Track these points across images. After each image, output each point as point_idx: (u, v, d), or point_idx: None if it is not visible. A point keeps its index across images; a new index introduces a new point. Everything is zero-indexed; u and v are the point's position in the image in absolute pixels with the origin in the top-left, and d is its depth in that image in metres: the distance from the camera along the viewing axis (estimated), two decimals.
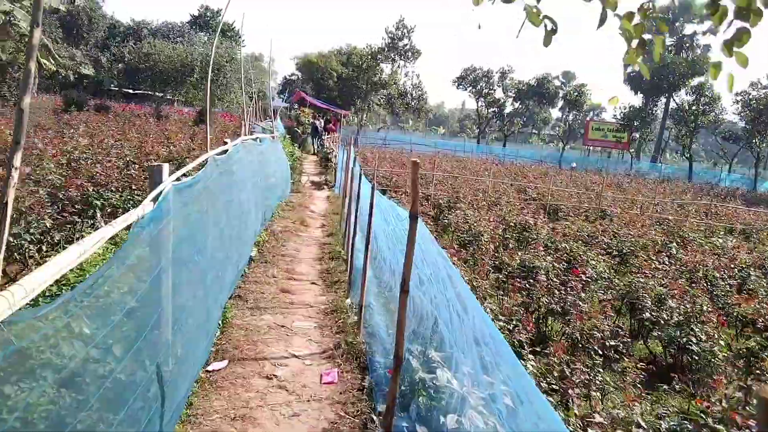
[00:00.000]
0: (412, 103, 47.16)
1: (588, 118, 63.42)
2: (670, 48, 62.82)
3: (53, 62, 47.86)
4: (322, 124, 33.27)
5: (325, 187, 18.37)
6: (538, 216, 16.12)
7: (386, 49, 46.05)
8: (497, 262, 10.69)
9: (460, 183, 20.67)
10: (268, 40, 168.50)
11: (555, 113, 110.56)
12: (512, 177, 26.32)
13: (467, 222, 13.26)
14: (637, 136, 65.90)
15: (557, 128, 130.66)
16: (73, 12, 63.30)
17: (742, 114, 48.45)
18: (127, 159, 10.90)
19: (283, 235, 9.35)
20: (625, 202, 21.40)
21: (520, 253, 10.71)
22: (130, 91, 49.64)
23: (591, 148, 69.71)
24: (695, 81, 53.78)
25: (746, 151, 53.48)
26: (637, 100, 69.78)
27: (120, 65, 49.48)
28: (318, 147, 31.83)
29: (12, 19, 27.64)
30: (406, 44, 46.24)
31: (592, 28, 2.83)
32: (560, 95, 74.69)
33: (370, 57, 46.14)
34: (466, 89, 66.67)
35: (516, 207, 17.74)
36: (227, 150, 6.15)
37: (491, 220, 14.52)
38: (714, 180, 46.89)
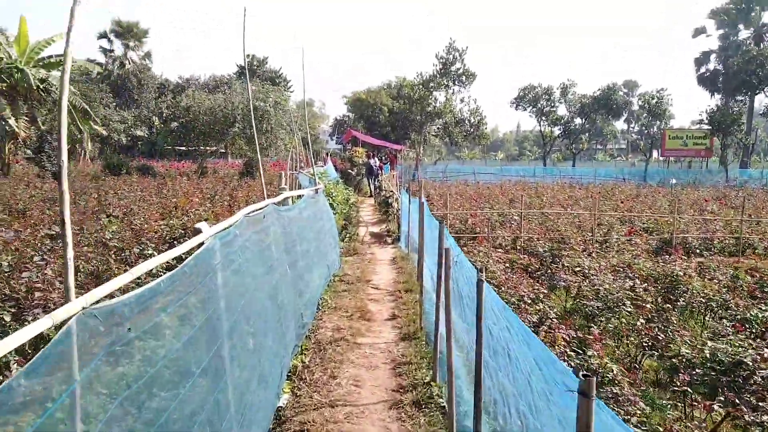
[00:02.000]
0: (471, 130, 43.68)
1: (663, 127, 57.96)
2: (748, 40, 57.03)
3: (100, 126, 47.60)
4: (377, 162, 30.30)
5: (387, 239, 15.07)
6: (671, 257, 12.20)
7: (438, 76, 43.06)
8: (657, 347, 7.03)
9: (550, 217, 16.93)
10: (318, 85, 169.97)
11: (619, 125, 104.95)
12: (603, 203, 22.25)
13: (590, 281, 9.59)
14: (719, 141, 59.84)
15: (624, 141, 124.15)
16: (123, 75, 64.13)
17: None
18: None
19: (333, 350, 5.95)
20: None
21: (704, 334, 6.98)
22: (183, 149, 48.68)
23: (669, 159, 64.02)
24: None
25: None
26: (713, 102, 63.90)
27: (173, 124, 48.81)
28: (375, 188, 28.78)
29: (47, 86, 26.44)
30: (459, 68, 43.12)
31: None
32: (629, 106, 69.77)
33: (421, 86, 43.26)
34: (525, 109, 62.94)
35: (635, 246, 13.86)
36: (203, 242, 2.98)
37: (613, 269, 10.79)
38: None
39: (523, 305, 8.07)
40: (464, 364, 4.97)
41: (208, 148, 29.38)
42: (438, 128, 44.76)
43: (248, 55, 68.05)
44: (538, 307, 8.03)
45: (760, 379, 5.81)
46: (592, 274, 10.10)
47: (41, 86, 26.78)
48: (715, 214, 19.25)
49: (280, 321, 4.96)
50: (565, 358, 5.94)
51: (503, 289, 8.68)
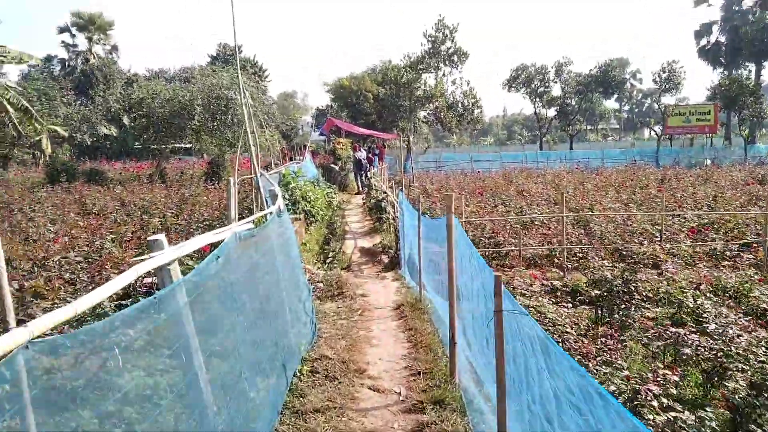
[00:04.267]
0: (465, 114, 39.88)
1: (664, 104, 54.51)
2: (754, 9, 53.62)
3: (60, 126, 43.35)
4: (365, 154, 26.52)
5: (383, 258, 11.40)
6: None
7: (427, 57, 39.17)
8: None
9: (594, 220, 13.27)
10: (299, 74, 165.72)
11: (609, 104, 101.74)
12: (639, 194, 18.69)
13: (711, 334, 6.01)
14: (724, 116, 56.53)
15: (614, 121, 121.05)
16: (86, 71, 59.61)
17: None
18: None
19: None
20: None
21: None
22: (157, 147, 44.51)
23: (673, 136, 60.67)
24: None
25: None
26: (715, 76, 60.58)
27: (144, 120, 44.52)
28: (363, 185, 25.04)
29: None
30: (450, 47, 39.21)
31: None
32: (625, 83, 66.32)
33: (408, 68, 39.38)
34: (518, 90, 59.33)
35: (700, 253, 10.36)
36: None
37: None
38: None
39: (641, 403, 4.49)
40: None
41: (166, 146, 25.38)
42: (428, 113, 40.93)
43: (220, 44, 63.91)
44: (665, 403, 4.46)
45: None
46: (705, 317, 6.54)
47: None
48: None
49: None
50: None
51: (589, 364, 5.13)
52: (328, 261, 11.23)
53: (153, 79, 55.87)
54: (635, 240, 11.46)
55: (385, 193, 14.49)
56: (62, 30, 62.45)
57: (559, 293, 10.13)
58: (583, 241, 11.89)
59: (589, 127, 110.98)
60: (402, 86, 39.93)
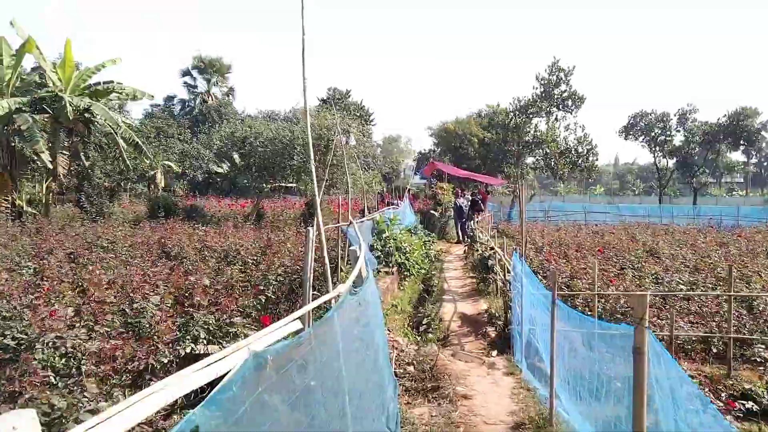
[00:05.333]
0: (578, 161, 37.00)
1: None
2: None
3: (174, 162, 45.22)
4: (468, 200, 24.62)
5: (488, 331, 9.39)
6: None
7: (538, 101, 36.99)
8: None
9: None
10: (404, 119, 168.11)
11: (736, 157, 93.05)
12: None
13: None
14: None
15: (738, 175, 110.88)
16: (203, 111, 62.81)
17: None
18: None
19: None
20: None
21: None
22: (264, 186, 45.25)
23: None
24: None
25: None
26: None
27: (246, 159, 45.53)
28: (466, 234, 23.09)
29: (91, 117, 23.25)
30: (564, 91, 36.83)
31: None
32: (759, 134, 59.91)
33: (518, 112, 37.40)
34: (636, 138, 55.22)
35: None
36: None
37: None
38: None
39: None
40: None
41: (266, 185, 24.98)
42: (537, 159, 38.46)
43: (330, 88, 65.25)
44: None
45: None
46: None
47: (85, 117, 23.58)
48: None
49: None
50: None
51: None
52: (421, 329, 9.43)
53: (264, 119, 57.75)
54: None
55: (492, 249, 12.52)
56: (185, 73, 66.67)
57: (723, 395, 7.74)
58: (746, 323, 9.24)
59: (711, 181, 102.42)
60: (510, 130, 38.00)
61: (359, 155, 25.28)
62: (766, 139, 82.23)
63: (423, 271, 14.69)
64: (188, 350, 5.61)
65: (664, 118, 53.48)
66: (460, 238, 24.05)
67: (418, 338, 8.86)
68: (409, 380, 6.34)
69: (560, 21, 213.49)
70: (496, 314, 9.84)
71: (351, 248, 5.81)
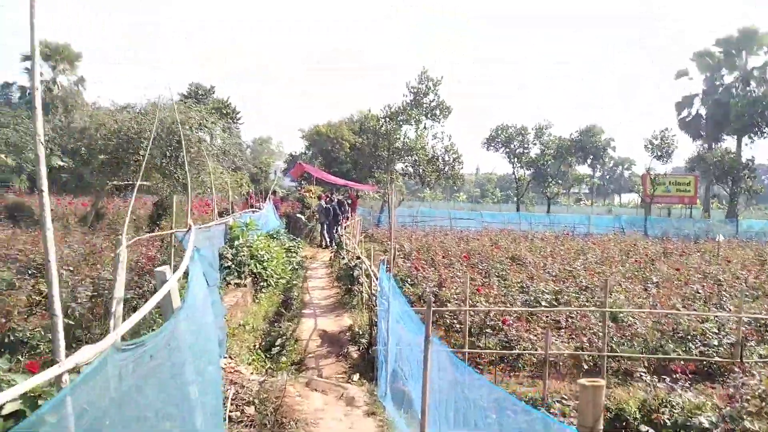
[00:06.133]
0: (445, 169, 37.60)
1: (645, 171, 53.31)
2: (735, 84, 53.50)
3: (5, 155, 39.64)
4: (335, 204, 23.55)
5: (353, 354, 8.31)
6: None
7: (408, 108, 37.04)
8: None
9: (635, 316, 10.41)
10: (276, 122, 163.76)
11: (583, 170, 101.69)
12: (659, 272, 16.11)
13: None
14: (703, 188, 55.79)
15: (584, 186, 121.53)
16: (47, 101, 56.23)
17: None
18: None
19: None
20: None
21: None
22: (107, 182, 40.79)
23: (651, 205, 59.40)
24: None
25: None
26: (693, 147, 59.94)
27: (102, 156, 40.83)
28: (332, 240, 22.03)
29: None
30: (433, 100, 37.24)
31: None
32: (605, 149, 65.54)
33: (388, 118, 37.19)
34: (497, 150, 57.77)
35: None
36: None
37: None
38: None
39: None
40: None
41: (107, 182, 22.07)
42: (406, 166, 38.55)
43: (192, 84, 61.42)
44: None
45: None
46: None
47: None
48: None
49: None
50: None
51: None
52: (274, 351, 8.12)
53: (116, 111, 52.63)
54: (689, 344, 8.63)
55: (358, 258, 11.49)
56: (26, 57, 59.33)
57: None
58: (614, 337, 9.01)
59: (563, 191, 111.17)
60: (381, 136, 37.71)
61: (225, 153, 23.28)
62: (609, 154, 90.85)
63: (283, 281, 13.33)
64: None
65: (523, 132, 56.45)
66: (327, 243, 22.96)
67: (269, 364, 7.55)
68: (246, 426, 5.05)
69: (433, 42, 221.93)
70: (360, 332, 8.80)
71: (158, 270, 4.34)
